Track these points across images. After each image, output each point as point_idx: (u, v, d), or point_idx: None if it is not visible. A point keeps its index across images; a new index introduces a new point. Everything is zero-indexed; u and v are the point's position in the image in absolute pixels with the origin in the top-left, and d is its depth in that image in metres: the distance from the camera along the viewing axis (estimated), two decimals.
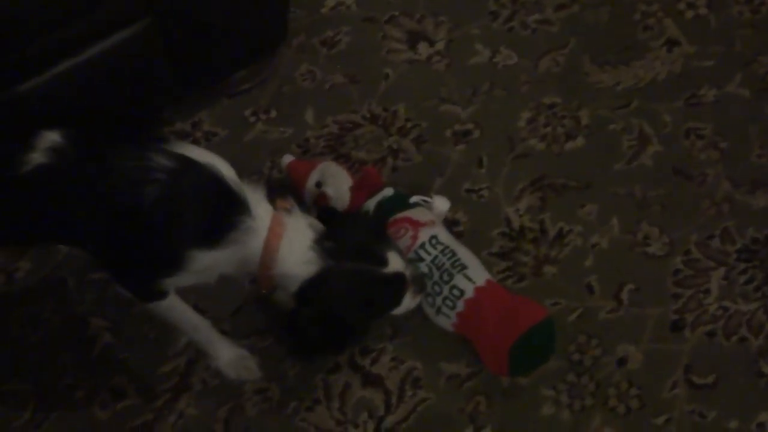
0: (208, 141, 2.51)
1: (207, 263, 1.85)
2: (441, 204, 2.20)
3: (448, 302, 2.04)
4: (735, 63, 2.55)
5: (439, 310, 2.06)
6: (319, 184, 2.23)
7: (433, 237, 2.11)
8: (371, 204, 2.18)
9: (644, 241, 2.24)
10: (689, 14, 2.67)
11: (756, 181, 2.31)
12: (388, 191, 2.21)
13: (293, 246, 1.86)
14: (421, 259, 2.09)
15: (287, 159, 2.37)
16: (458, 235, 2.25)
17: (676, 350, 2.08)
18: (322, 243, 1.87)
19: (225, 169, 1.86)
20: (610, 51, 2.61)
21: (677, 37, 2.62)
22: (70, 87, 2.09)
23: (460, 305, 2.02)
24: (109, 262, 1.96)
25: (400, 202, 2.18)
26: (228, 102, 2.59)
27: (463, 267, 2.05)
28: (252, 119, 2.55)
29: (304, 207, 2.23)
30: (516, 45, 2.63)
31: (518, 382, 2.06)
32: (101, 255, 1.93)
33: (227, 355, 2.11)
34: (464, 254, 2.09)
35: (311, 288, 1.86)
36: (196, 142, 2.50)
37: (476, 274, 2.05)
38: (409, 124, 2.49)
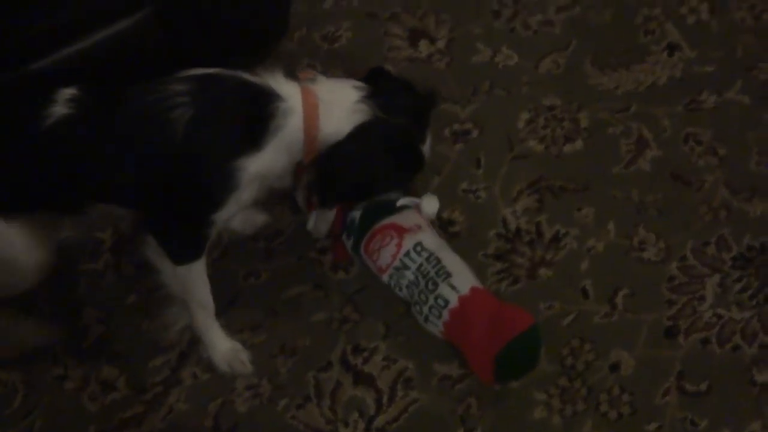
0: None
1: (257, 170, 1.85)
2: (428, 206, 2.16)
3: (434, 311, 2.03)
4: (736, 69, 2.55)
5: (426, 319, 2.05)
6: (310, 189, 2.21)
7: (418, 244, 2.09)
8: (358, 211, 2.16)
9: (640, 246, 2.24)
10: (691, 19, 2.67)
11: (754, 189, 2.31)
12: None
13: (333, 106, 1.88)
14: (407, 267, 2.08)
15: None
16: (454, 236, 2.24)
17: (669, 357, 2.07)
18: (370, 98, 1.89)
19: (233, 71, 1.88)
20: (611, 54, 2.60)
21: (678, 41, 2.62)
22: (70, 74, 2.08)
23: (446, 315, 2.01)
24: (152, 213, 1.92)
25: (386, 207, 2.16)
26: None
27: (448, 275, 2.04)
28: None
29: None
30: (517, 45, 2.62)
31: (510, 385, 2.05)
32: (142, 206, 1.92)
33: (222, 347, 2.10)
34: (450, 261, 2.07)
35: (362, 131, 1.88)
36: None
37: (461, 282, 2.03)
38: None
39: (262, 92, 1.86)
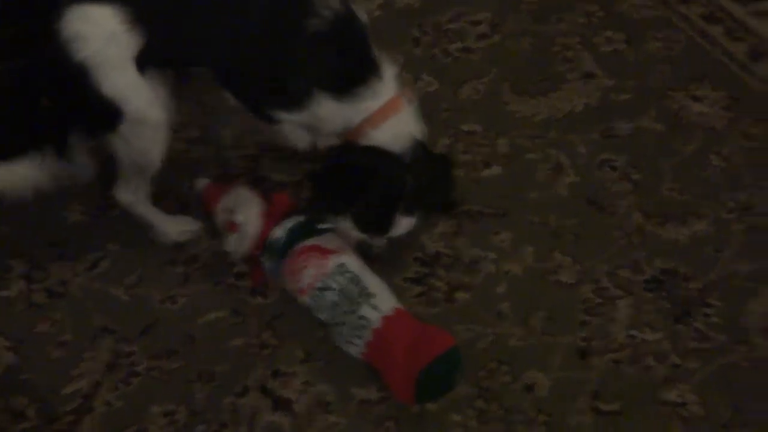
0: None
1: (325, 112, 2.05)
2: (351, 228, 2.17)
3: (356, 332, 2.03)
4: (650, 97, 2.61)
5: (347, 340, 2.05)
6: (230, 210, 2.21)
7: (341, 265, 2.10)
8: (281, 231, 2.16)
9: (556, 270, 2.27)
10: (607, 48, 2.73)
11: (666, 214, 2.36)
12: (299, 217, 2.20)
13: (400, 124, 2.06)
14: (329, 288, 2.08)
15: (202, 182, 2.35)
16: (374, 259, 2.24)
17: (583, 377, 2.10)
18: (417, 151, 2.08)
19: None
20: (529, 81, 2.65)
21: (594, 70, 2.67)
22: None
23: (368, 335, 2.02)
24: (247, 77, 2.09)
25: (310, 229, 2.17)
26: None
27: (371, 296, 2.05)
28: (171, 137, 2.52)
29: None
30: (437, 72, 2.65)
31: (428, 407, 2.05)
32: (244, 68, 2.07)
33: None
34: (372, 282, 2.08)
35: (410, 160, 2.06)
36: (111, 159, 2.46)
37: (383, 303, 2.04)
38: None
39: (373, 63, 2.03)
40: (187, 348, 2.15)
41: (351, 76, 2.03)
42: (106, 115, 2.01)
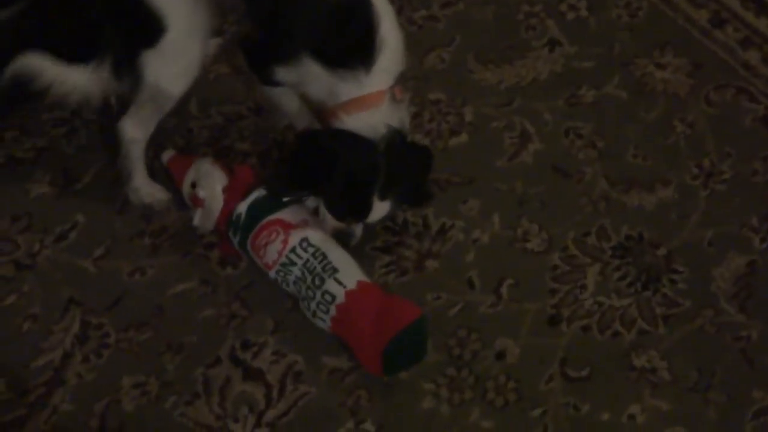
0: (87, 129, 2.44)
1: (309, 74, 2.08)
2: (325, 214, 2.16)
3: (321, 307, 2.03)
4: (613, 65, 2.63)
5: (314, 314, 2.05)
6: (194, 184, 2.19)
7: (304, 240, 2.09)
8: (244, 206, 2.15)
9: (524, 237, 2.29)
10: (571, 16, 2.74)
11: (631, 180, 2.39)
12: (262, 190, 2.18)
13: (375, 116, 2.05)
14: (293, 264, 2.07)
15: (167, 155, 2.33)
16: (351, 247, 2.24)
17: (552, 344, 2.12)
18: (393, 138, 2.07)
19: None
20: (494, 49, 2.65)
21: (559, 37, 2.68)
22: None
23: (333, 310, 2.02)
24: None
25: (273, 203, 2.16)
26: None
27: (335, 270, 2.04)
28: None
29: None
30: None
31: (399, 376, 2.06)
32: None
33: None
34: (336, 256, 2.08)
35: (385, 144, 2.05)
36: (74, 130, 2.44)
37: (347, 277, 2.04)
38: None
39: (369, 51, 2.04)
40: (156, 319, 2.14)
41: (341, 55, 2.04)
42: (149, 27, 2.02)
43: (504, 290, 2.20)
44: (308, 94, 2.20)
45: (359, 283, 2.04)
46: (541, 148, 2.45)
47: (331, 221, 2.14)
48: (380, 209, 2.11)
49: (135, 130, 2.20)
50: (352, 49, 2.04)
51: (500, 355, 2.10)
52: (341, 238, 2.14)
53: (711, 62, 2.64)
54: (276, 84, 2.22)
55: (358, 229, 2.19)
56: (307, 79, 2.11)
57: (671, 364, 2.08)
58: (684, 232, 2.30)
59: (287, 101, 2.32)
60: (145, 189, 2.29)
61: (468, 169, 2.39)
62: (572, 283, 2.21)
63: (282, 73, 2.15)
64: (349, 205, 2.12)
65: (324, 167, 2.06)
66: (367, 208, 2.09)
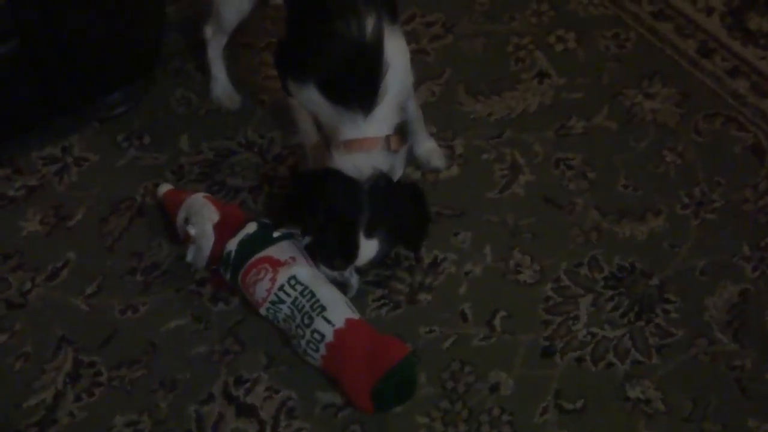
0: (79, 167, 2.45)
1: (315, 102, 2.13)
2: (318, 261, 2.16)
3: (311, 345, 2.03)
4: (602, 95, 2.64)
5: (305, 352, 2.05)
6: (187, 220, 2.19)
7: (292, 278, 2.08)
8: (234, 243, 2.13)
9: (516, 269, 2.29)
10: (559, 47, 2.76)
11: (622, 210, 2.39)
12: (251, 227, 2.16)
13: (367, 160, 2.07)
14: (282, 302, 2.07)
15: (163, 188, 2.33)
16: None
17: (546, 376, 2.12)
18: (378, 179, 2.08)
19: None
20: (483, 82, 2.66)
21: (548, 69, 2.70)
22: None
23: (323, 348, 2.01)
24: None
25: (262, 239, 2.15)
26: (99, 126, 2.54)
27: (323, 309, 2.04)
28: (124, 144, 2.51)
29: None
30: None
31: (393, 410, 2.06)
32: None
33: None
34: (324, 293, 2.07)
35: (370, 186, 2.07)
36: (66, 168, 2.44)
37: (335, 316, 2.03)
38: (285, 152, 2.49)
39: (371, 95, 2.06)
40: (149, 357, 2.14)
41: (343, 94, 2.07)
42: None
43: (497, 322, 2.20)
44: (319, 119, 2.23)
45: (347, 320, 2.03)
46: (531, 179, 2.46)
47: (324, 270, 2.14)
48: (368, 248, 2.09)
49: (210, 32, 2.55)
50: (354, 91, 2.06)
51: (494, 388, 2.10)
52: (341, 287, 2.14)
53: (699, 92, 2.65)
54: (289, 93, 2.25)
55: (353, 279, 2.17)
56: (315, 105, 2.15)
57: (666, 394, 2.07)
58: (676, 262, 2.30)
59: (300, 114, 2.33)
60: (221, 82, 2.59)
61: (459, 202, 2.40)
62: (565, 315, 2.21)
63: (293, 87, 2.20)
64: (336, 245, 2.11)
65: (311, 203, 2.07)
66: (354, 247, 2.08)
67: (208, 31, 2.55)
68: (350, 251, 2.09)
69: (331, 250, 2.12)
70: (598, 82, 2.68)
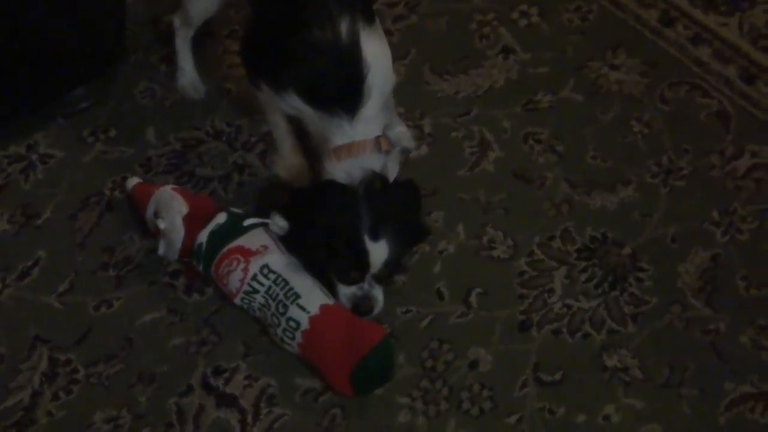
0: (44, 164, 2.43)
1: (293, 107, 2.11)
2: (280, 222, 2.12)
3: (287, 333, 2.02)
4: (567, 69, 2.65)
5: (282, 341, 2.05)
6: (156, 214, 2.17)
7: (264, 266, 2.07)
8: (204, 235, 2.11)
9: (489, 245, 2.29)
10: (522, 22, 2.76)
11: (592, 182, 2.40)
12: (221, 217, 2.14)
13: (358, 163, 2.04)
14: (256, 291, 2.06)
15: (131, 182, 2.31)
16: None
17: (524, 350, 2.13)
18: (372, 181, 2.04)
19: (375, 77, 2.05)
20: (449, 60, 2.66)
21: (512, 45, 2.70)
22: None
23: (299, 336, 2.01)
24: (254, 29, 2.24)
25: (233, 229, 2.13)
26: (64, 122, 2.52)
27: (297, 296, 2.03)
28: (90, 139, 2.49)
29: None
30: None
31: (374, 392, 2.06)
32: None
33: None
34: (298, 281, 2.06)
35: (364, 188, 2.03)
36: (31, 165, 2.42)
37: (310, 303, 2.02)
38: (253, 139, 2.48)
39: (357, 98, 2.03)
40: (125, 351, 2.12)
41: (325, 100, 2.04)
42: None
43: (473, 299, 2.20)
44: (306, 127, 2.18)
45: (322, 307, 2.02)
46: (501, 155, 2.46)
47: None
48: (378, 251, 2.02)
49: (179, 22, 2.52)
50: (336, 96, 2.04)
51: (473, 365, 2.10)
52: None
53: (663, 61, 2.67)
54: (258, 88, 2.22)
55: (375, 291, 2.10)
56: (298, 112, 2.12)
57: (642, 362, 2.09)
58: (647, 231, 2.31)
59: (268, 107, 2.28)
60: (187, 72, 2.57)
61: (430, 181, 2.40)
62: (540, 288, 2.22)
63: (269, 93, 2.16)
64: (345, 257, 2.04)
65: (309, 224, 2.04)
66: (364, 254, 2.02)
67: (177, 21, 2.53)
68: (361, 259, 2.03)
69: (343, 265, 2.06)
70: (562, 55, 2.68)
